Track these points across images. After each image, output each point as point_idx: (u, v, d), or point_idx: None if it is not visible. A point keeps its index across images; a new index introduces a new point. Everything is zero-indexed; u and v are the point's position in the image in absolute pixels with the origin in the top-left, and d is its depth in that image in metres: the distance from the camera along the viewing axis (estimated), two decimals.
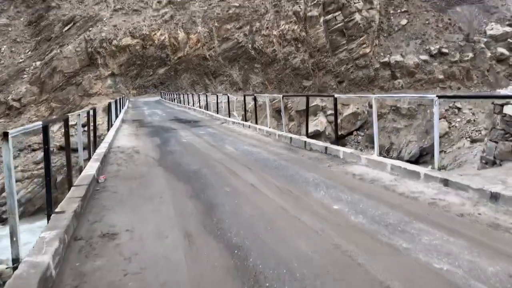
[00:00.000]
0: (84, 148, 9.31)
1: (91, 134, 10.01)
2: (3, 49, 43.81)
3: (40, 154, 37.05)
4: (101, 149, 10.50)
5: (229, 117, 18.39)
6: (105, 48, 43.45)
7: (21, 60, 43.29)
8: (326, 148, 8.96)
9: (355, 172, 7.20)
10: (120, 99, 25.38)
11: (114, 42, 43.77)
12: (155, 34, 44.68)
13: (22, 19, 46.61)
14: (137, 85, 44.97)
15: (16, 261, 3.87)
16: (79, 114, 8.33)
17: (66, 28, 45.08)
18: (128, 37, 44.30)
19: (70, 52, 42.62)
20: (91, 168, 7.90)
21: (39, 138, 39.40)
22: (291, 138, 10.82)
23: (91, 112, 10.40)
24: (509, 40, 43.65)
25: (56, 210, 5.12)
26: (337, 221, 4.90)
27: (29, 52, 44.07)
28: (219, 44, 43.75)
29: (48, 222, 4.80)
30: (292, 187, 6.56)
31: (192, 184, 7.09)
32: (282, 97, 12.04)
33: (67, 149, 6.77)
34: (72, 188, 6.37)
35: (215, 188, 6.76)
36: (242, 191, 6.47)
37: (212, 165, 8.70)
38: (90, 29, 44.72)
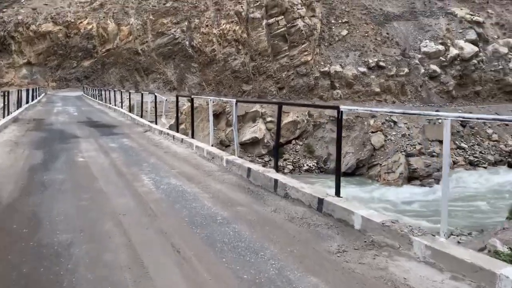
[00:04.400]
0: None
1: None
2: None
3: None
4: None
5: (156, 123, 13.62)
6: (21, 33, 36.33)
7: None
8: (320, 201, 4.68)
9: (413, 286, 3.03)
10: (20, 91, 19.44)
11: (33, 27, 36.77)
12: (81, 22, 38.20)
13: None
14: (58, 77, 38.16)
15: None
16: None
17: None
18: (49, 22, 37.44)
19: None
20: None
21: None
22: (249, 169, 6.41)
23: None
24: (441, 58, 42.57)
25: None
26: None
27: None
28: (153, 38, 38.26)
29: None
30: None
31: None
32: (236, 103, 7.58)
33: None
34: None
35: None
36: None
37: (101, 233, 4.12)
38: (4, 10, 37.31)
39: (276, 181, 5.61)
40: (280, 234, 4.18)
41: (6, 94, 15.55)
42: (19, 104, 18.54)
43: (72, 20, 38.05)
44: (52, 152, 8.84)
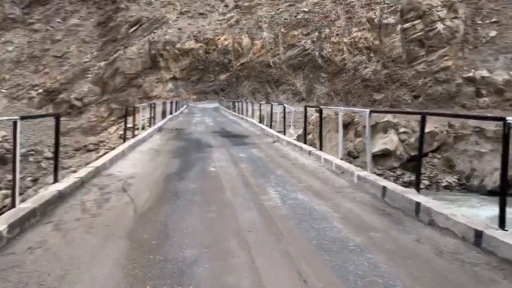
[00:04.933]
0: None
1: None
2: (71, 48, 42.12)
3: (94, 155, 34.37)
4: (65, 182, 6.09)
5: (284, 134, 13.53)
6: (168, 51, 40.32)
7: (87, 60, 41.31)
8: (479, 234, 3.81)
9: None
10: (165, 103, 21.35)
11: (178, 45, 40.55)
12: (219, 38, 40.90)
13: (92, 20, 44.82)
14: (198, 90, 41.37)
15: None
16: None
17: (132, 29, 42.58)
18: (192, 40, 40.90)
19: (133, 53, 39.95)
20: None
21: (96, 139, 36.94)
22: (384, 188, 5.71)
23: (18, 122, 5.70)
24: None
25: None
26: None
27: (95, 52, 42.02)
28: (284, 51, 39.04)
29: None
30: None
31: None
32: (370, 113, 6.95)
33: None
34: None
35: None
36: None
37: (225, 251, 3.91)
38: (155, 31, 41.87)
39: (418, 204, 4.82)
40: (426, 271, 3.46)
41: (153, 106, 17.12)
42: (163, 115, 20.31)
43: (211, 37, 40.93)
44: (188, 161, 9.23)
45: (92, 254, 3.81)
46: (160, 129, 16.09)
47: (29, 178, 29.63)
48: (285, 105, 15.52)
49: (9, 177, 23.00)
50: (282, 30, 39.69)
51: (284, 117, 14.55)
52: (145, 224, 4.74)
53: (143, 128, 14.57)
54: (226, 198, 5.95)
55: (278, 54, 39.38)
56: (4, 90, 38.18)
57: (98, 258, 3.74)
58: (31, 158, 31.39)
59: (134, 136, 12.43)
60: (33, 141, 32.25)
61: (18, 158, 4.48)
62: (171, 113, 23.40)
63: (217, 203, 5.66)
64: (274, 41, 39.77)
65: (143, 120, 15.63)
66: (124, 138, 11.84)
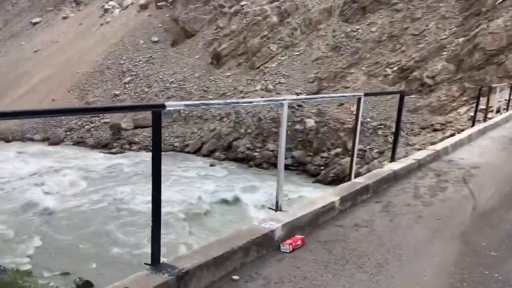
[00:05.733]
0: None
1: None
2: (430, 25, 41.51)
3: (440, 135, 33.37)
4: (401, 162, 5.91)
5: None
6: None
7: (444, 37, 39.69)
8: None
9: None
10: None
11: None
12: None
13: None
14: None
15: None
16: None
17: (500, 0, 37.57)
18: None
19: (498, 27, 35.28)
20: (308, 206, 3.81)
21: (443, 118, 35.68)
22: None
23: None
24: None
25: None
26: None
27: (454, 28, 39.72)
28: None
29: None
30: None
31: None
32: None
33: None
34: None
35: None
36: None
37: None
38: None
39: None
40: None
41: None
42: None
43: None
44: None
45: (417, 248, 3.46)
46: None
47: (375, 150, 31.90)
48: None
49: (363, 147, 25.40)
50: None
51: None
52: (483, 228, 3.97)
53: (498, 112, 12.66)
54: None
55: None
56: (364, 68, 42.04)
57: (422, 254, 3.36)
58: (379, 132, 33.57)
59: (485, 119, 10.98)
60: (384, 116, 34.27)
61: (358, 133, 4.58)
62: None
63: None
64: None
65: (499, 102, 13.57)
66: (473, 121, 10.61)
